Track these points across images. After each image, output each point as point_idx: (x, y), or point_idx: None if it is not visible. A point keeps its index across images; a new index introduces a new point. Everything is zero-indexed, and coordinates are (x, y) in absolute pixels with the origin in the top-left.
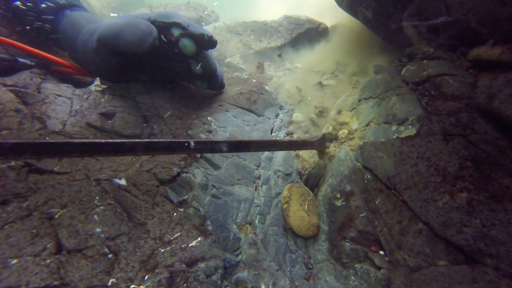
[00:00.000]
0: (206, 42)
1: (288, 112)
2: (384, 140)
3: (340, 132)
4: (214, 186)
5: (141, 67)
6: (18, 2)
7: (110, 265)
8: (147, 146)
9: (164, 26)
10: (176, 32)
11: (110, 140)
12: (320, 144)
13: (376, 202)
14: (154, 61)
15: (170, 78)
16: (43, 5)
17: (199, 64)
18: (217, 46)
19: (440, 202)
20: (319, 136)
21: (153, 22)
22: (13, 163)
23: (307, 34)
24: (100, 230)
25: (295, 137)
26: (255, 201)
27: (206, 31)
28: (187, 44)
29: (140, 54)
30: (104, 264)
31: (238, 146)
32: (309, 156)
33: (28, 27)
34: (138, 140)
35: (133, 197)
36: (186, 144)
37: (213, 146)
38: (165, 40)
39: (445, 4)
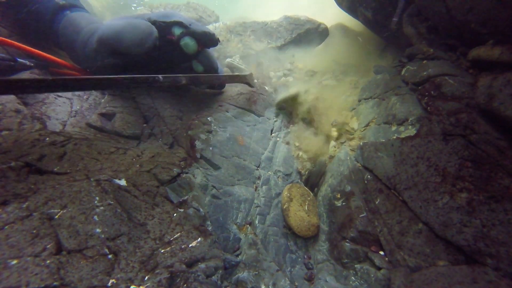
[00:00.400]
0: (208, 40)
1: (288, 112)
2: (384, 140)
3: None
4: (214, 187)
5: (141, 67)
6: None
7: (110, 265)
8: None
9: (165, 26)
10: (177, 31)
11: (73, 77)
12: (249, 79)
13: (376, 202)
14: (154, 61)
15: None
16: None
17: (201, 63)
18: (217, 46)
19: (440, 202)
20: (248, 72)
21: (154, 22)
22: (13, 163)
23: (307, 34)
24: (100, 231)
25: (291, 141)
26: (255, 201)
27: (208, 28)
28: (188, 43)
29: (141, 54)
30: (104, 264)
31: (194, 80)
32: (309, 156)
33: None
34: (103, 76)
35: (133, 198)
36: (156, 78)
37: (175, 80)
38: (166, 40)
39: (445, 4)
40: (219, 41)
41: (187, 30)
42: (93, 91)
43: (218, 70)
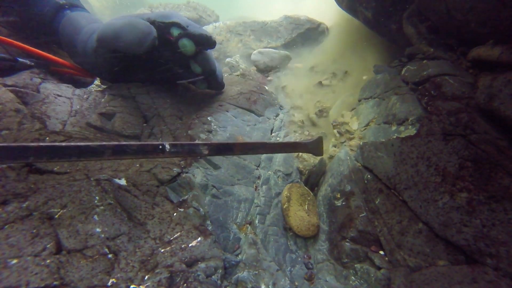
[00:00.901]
0: (205, 42)
1: (288, 112)
2: (384, 140)
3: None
4: (214, 186)
5: (141, 67)
6: None
7: (110, 265)
8: (116, 149)
9: (163, 26)
10: (175, 32)
11: (72, 144)
12: (314, 147)
13: (376, 202)
14: (154, 61)
15: (170, 79)
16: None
17: (199, 64)
18: (217, 46)
19: (440, 202)
20: (314, 138)
21: (153, 22)
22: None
23: (307, 34)
24: (100, 230)
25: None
26: (255, 201)
27: (205, 31)
28: (186, 44)
29: (140, 54)
30: (104, 264)
31: (220, 149)
32: (309, 156)
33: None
34: (105, 143)
35: (133, 197)
36: (160, 147)
37: (192, 149)
38: (165, 40)
39: (445, 4)
40: (216, 44)
41: (185, 32)
42: (93, 91)
43: (216, 71)
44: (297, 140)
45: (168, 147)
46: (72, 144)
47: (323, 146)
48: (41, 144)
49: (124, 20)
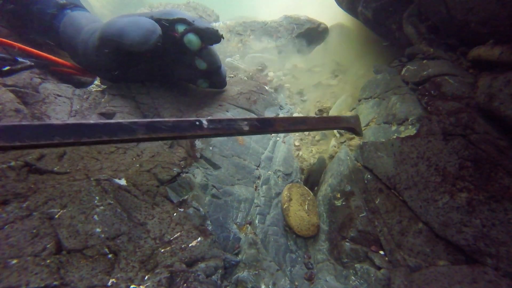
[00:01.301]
0: (212, 36)
1: (288, 112)
2: (384, 140)
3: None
4: (214, 186)
5: (142, 66)
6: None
7: (110, 265)
8: (149, 126)
9: (168, 24)
10: (180, 28)
11: (100, 122)
12: (357, 124)
13: (376, 202)
14: (156, 60)
15: (172, 78)
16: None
17: (204, 60)
18: (217, 46)
19: (440, 202)
20: (354, 115)
21: (157, 20)
22: (13, 163)
23: (307, 34)
24: (100, 230)
25: (291, 140)
26: (255, 201)
27: (210, 25)
28: (192, 39)
29: (144, 52)
30: (104, 264)
31: (261, 125)
32: (308, 156)
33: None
34: (137, 120)
35: (133, 197)
36: (197, 123)
37: (231, 125)
38: (169, 37)
39: (445, 4)
40: (223, 38)
41: (191, 27)
42: (93, 91)
43: (221, 67)
44: (340, 115)
45: (206, 123)
46: (100, 121)
47: (361, 126)
48: (67, 122)
49: (128, 18)
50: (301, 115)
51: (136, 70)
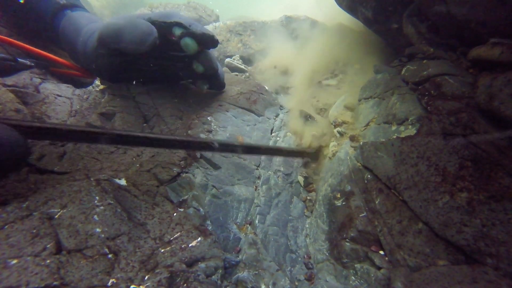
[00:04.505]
0: (208, 41)
1: (288, 112)
2: (384, 140)
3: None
4: (214, 186)
5: (141, 67)
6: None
7: (110, 265)
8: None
9: (165, 26)
10: (177, 31)
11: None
12: (314, 156)
13: (376, 202)
14: (155, 61)
15: (171, 78)
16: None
17: (201, 64)
18: (217, 46)
19: (440, 202)
20: (316, 148)
21: (154, 22)
22: None
23: (307, 34)
24: (100, 230)
25: (292, 140)
26: (255, 201)
27: (207, 30)
28: (189, 43)
29: (141, 54)
30: (104, 264)
31: (251, 150)
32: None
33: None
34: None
35: (133, 197)
36: (212, 144)
37: (232, 148)
38: (167, 39)
39: (445, 4)
40: (219, 43)
41: (187, 31)
42: (93, 91)
43: (218, 71)
44: (303, 148)
45: (217, 145)
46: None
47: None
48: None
49: (125, 20)
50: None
51: (135, 71)
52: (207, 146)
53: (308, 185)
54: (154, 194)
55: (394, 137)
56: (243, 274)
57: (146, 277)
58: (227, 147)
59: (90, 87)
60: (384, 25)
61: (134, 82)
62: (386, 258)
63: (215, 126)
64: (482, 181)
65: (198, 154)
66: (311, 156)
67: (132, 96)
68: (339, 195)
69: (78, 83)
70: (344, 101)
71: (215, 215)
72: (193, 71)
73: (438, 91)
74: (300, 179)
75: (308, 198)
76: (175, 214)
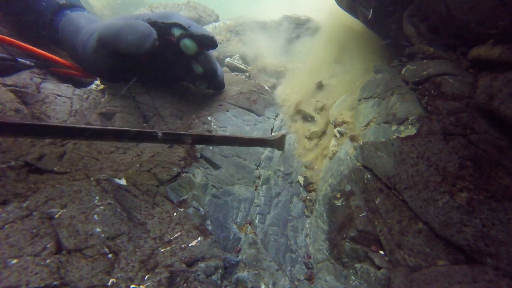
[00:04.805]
0: (207, 43)
1: (287, 111)
2: (384, 139)
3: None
4: (214, 186)
5: (141, 67)
6: None
7: (110, 265)
8: (117, 133)
9: (164, 27)
10: (177, 32)
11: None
12: (278, 143)
13: (376, 202)
14: (154, 61)
15: (171, 79)
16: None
17: (200, 64)
18: (217, 47)
19: (440, 202)
20: (278, 136)
21: (154, 23)
22: (13, 162)
23: (307, 34)
24: (100, 230)
25: (291, 140)
26: (255, 201)
27: (207, 31)
28: (188, 44)
29: (140, 55)
30: (104, 264)
31: (200, 139)
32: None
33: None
34: (108, 127)
35: (133, 197)
36: (154, 134)
37: (178, 138)
38: (166, 40)
39: (445, 4)
40: (218, 44)
41: (186, 32)
42: (93, 91)
43: (217, 71)
44: (264, 137)
45: (160, 135)
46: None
47: (285, 143)
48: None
49: (124, 21)
50: (300, 115)
51: (135, 71)
52: (150, 136)
53: (308, 185)
54: (154, 194)
55: (394, 137)
56: (243, 274)
57: (146, 277)
58: (170, 136)
59: (90, 87)
60: (384, 25)
61: (134, 82)
62: (386, 258)
63: (215, 126)
64: (482, 181)
65: (198, 154)
66: (275, 144)
67: (132, 96)
68: (339, 195)
69: (78, 83)
70: (344, 101)
71: (215, 215)
72: (192, 71)
73: (438, 91)
74: (300, 179)
75: (308, 198)
76: (175, 214)
